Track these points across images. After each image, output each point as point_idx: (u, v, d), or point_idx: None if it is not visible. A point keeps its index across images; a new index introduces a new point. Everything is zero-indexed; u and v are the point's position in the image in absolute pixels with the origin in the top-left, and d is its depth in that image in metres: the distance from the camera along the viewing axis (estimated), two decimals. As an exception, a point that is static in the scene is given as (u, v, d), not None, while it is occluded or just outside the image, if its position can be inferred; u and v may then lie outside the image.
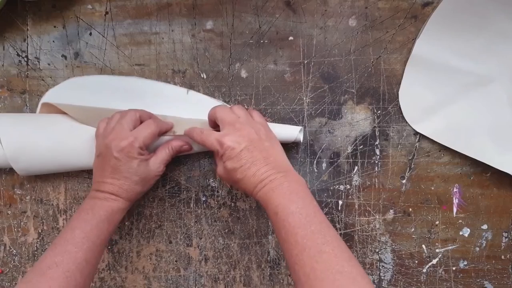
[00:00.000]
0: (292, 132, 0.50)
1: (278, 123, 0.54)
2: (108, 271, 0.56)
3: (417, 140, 0.53)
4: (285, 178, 0.43)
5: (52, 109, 0.52)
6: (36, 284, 0.40)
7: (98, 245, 0.45)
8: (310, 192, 0.44)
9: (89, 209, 0.45)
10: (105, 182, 0.47)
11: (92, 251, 0.44)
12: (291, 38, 0.53)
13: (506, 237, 0.53)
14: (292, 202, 0.41)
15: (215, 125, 0.49)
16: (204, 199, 0.55)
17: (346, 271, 0.36)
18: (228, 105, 0.53)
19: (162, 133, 0.50)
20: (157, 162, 0.49)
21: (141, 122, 0.49)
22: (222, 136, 0.45)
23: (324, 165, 0.54)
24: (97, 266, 0.46)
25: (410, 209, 0.54)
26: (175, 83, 0.54)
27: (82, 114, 0.51)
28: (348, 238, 0.54)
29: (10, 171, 0.56)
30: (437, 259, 0.54)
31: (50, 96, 0.53)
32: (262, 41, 0.53)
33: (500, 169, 0.51)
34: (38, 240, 0.56)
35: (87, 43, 0.54)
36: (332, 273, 0.36)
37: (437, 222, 0.54)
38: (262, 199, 0.44)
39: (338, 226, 0.54)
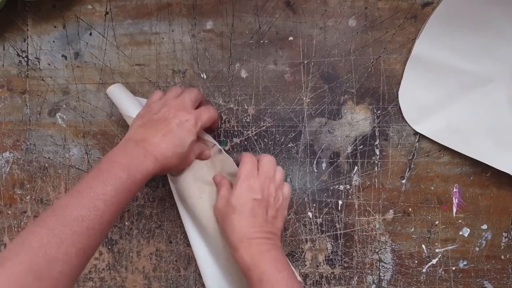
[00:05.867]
0: None
1: (278, 123, 0.54)
2: (108, 270, 0.56)
3: (416, 140, 0.53)
4: (274, 244, 0.45)
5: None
6: (59, 235, 0.35)
7: (119, 211, 0.40)
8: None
9: (125, 167, 0.40)
10: (150, 140, 0.43)
11: (114, 215, 0.39)
12: (291, 38, 0.53)
13: (505, 237, 0.53)
14: (279, 271, 0.42)
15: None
16: (204, 199, 0.55)
17: None
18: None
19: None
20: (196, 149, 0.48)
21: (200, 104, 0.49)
22: (250, 172, 0.47)
23: (324, 165, 0.54)
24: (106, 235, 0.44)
25: (410, 209, 0.54)
26: (175, 83, 0.54)
27: None
28: (348, 238, 0.54)
29: (10, 171, 0.56)
30: (436, 259, 0.54)
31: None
32: (262, 41, 0.53)
33: (500, 169, 0.51)
34: (38, 240, 0.56)
35: (87, 43, 0.54)
36: None
37: (436, 222, 0.54)
38: (244, 261, 0.43)
39: (338, 226, 0.54)
